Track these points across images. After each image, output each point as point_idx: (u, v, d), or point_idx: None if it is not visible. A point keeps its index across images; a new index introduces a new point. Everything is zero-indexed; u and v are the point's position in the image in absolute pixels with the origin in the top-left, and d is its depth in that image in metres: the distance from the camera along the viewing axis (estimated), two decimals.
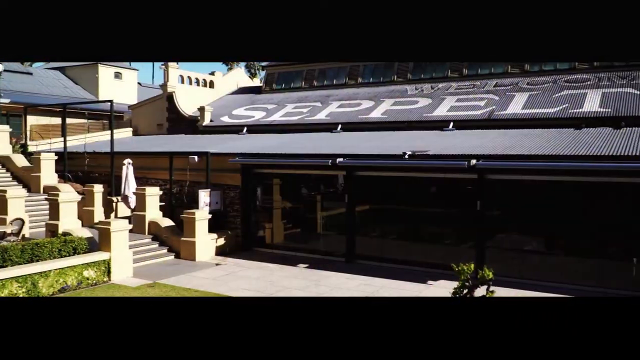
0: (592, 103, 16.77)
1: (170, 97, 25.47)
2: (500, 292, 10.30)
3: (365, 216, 16.61)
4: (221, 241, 17.22)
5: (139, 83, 40.38)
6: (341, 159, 15.03)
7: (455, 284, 8.96)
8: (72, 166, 21.54)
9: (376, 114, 20.17)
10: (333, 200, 17.43)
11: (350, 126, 20.10)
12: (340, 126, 20.15)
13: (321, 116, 21.36)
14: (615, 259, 12.93)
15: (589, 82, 18.47)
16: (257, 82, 33.89)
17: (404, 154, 14.18)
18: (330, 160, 15.13)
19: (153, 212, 17.49)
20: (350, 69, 24.32)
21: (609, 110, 16.08)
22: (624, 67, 18.74)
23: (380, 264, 15.29)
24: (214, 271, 14.89)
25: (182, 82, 26.32)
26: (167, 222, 17.25)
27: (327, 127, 20.50)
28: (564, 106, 17.04)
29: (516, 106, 17.91)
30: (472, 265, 8.84)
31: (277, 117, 22.43)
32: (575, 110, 16.59)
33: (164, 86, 25.85)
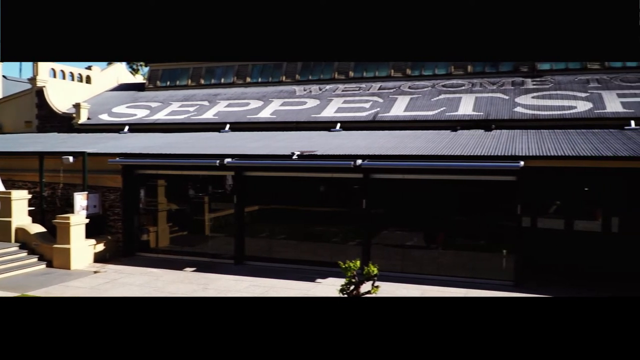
0: (466, 107, 17.99)
1: (40, 92, 23.42)
2: (385, 286, 10.69)
3: (255, 217, 16.45)
4: (100, 247, 16.13)
5: (3, 76, 36.72)
6: (229, 159, 14.74)
7: (342, 280, 9.14)
8: None
9: (265, 114, 20.07)
10: (221, 201, 17.04)
11: (239, 126, 19.81)
12: (228, 126, 19.79)
13: (209, 115, 20.83)
14: (487, 251, 13.92)
15: (463, 87, 19.79)
16: (139, 78, 32.30)
17: (293, 154, 14.22)
18: (218, 161, 14.78)
19: (21, 217, 15.97)
20: (238, 68, 24.00)
21: (481, 113, 17.33)
22: (494, 73, 20.37)
23: (269, 265, 15.22)
24: (92, 279, 13.89)
25: (55, 76, 24.32)
26: (37, 229, 15.82)
27: (214, 126, 20.03)
28: (441, 109, 18.10)
29: (399, 109, 18.72)
30: (358, 262, 9.06)
31: (161, 116, 21.51)
32: (451, 114, 17.69)
33: (32, 80, 23.69)
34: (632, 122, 15.33)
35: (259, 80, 23.56)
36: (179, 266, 15.20)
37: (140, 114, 22.10)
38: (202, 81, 24.50)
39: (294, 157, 14.13)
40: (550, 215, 16.72)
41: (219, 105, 21.76)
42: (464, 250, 14.14)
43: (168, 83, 25.19)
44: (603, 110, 16.25)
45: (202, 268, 14.98)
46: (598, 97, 17.17)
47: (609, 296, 11.53)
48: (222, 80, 24.10)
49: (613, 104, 16.57)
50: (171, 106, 22.43)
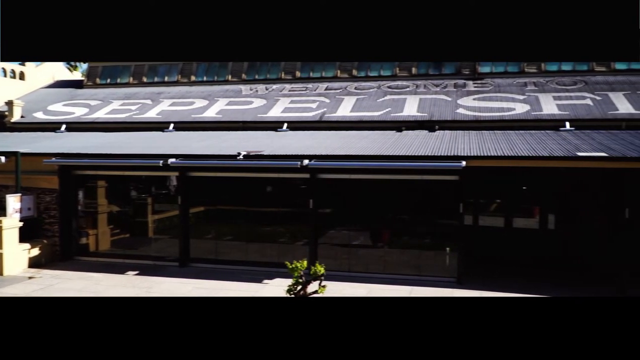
0: (411, 108, 18.31)
1: None
2: (332, 286, 10.71)
3: (200, 218, 16.14)
4: (35, 251, 15.37)
5: None
6: (173, 160, 14.38)
7: (290, 281, 9.09)
8: None
9: (210, 114, 19.73)
10: (165, 203, 16.62)
11: (183, 125, 19.38)
12: (172, 125, 19.32)
13: (152, 114, 20.27)
14: (432, 249, 14.21)
15: (408, 89, 20.15)
16: (77, 75, 31.07)
17: (239, 154, 14.05)
18: (161, 161, 14.39)
19: None
20: (182, 67, 23.49)
21: (425, 114, 17.69)
22: (438, 75, 20.86)
23: (216, 266, 14.97)
24: (26, 286, 13.21)
25: None
26: None
27: (158, 126, 19.51)
28: (387, 110, 18.35)
29: (345, 109, 18.84)
30: (305, 262, 9.03)
31: (101, 115, 20.75)
32: (396, 114, 17.96)
33: None
34: (567, 124, 16.04)
35: (204, 79, 23.15)
36: (120, 270, 14.70)
37: (78, 112, 21.24)
38: (145, 79, 23.83)
39: (240, 157, 13.95)
40: (491, 213, 17.29)
41: (163, 104, 21.22)
42: (409, 249, 14.39)
43: (108, 80, 24.34)
44: (540, 112, 16.93)
45: (145, 271, 14.55)
46: (535, 100, 17.88)
47: (551, 297, 11.99)
48: (166, 79, 23.52)
49: (549, 106, 17.30)
50: (112, 104, 21.69)
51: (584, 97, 17.70)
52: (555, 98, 17.88)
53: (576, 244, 15.50)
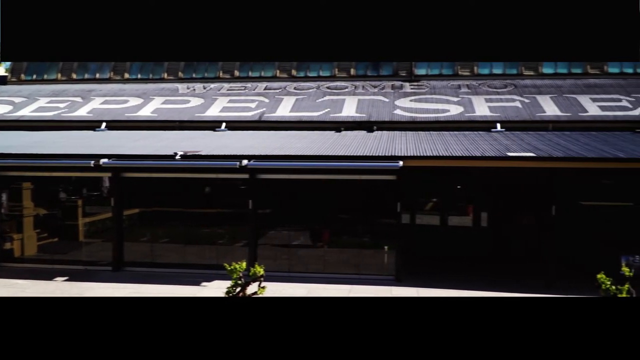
0: (349, 108, 18.49)
1: None
2: (272, 287, 10.61)
3: (135, 220, 15.59)
4: None
5: None
6: (106, 160, 13.79)
7: (229, 283, 8.93)
8: None
9: (145, 112, 19.12)
10: (98, 205, 15.94)
11: (117, 124, 18.66)
12: (104, 124, 18.57)
13: (82, 113, 19.41)
14: (371, 248, 14.38)
15: (347, 90, 20.34)
16: (0, 70, 29.31)
17: (176, 154, 13.67)
18: (92, 161, 13.76)
19: None
20: (115, 63, 22.64)
21: (364, 115, 17.92)
22: (375, 77, 21.20)
23: (152, 270, 14.52)
24: None
25: None
26: None
27: (89, 125, 18.69)
28: (326, 110, 18.44)
29: (285, 109, 18.78)
30: (244, 264, 8.90)
31: (27, 112, 19.65)
32: (336, 115, 18.09)
33: None
34: (498, 125, 16.69)
35: (139, 76, 22.42)
36: (48, 276, 13.96)
37: (1, 110, 20.02)
38: (74, 76, 22.79)
39: (177, 157, 13.59)
40: (428, 212, 17.74)
41: (94, 102, 20.37)
42: (349, 248, 14.51)
43: (34, 77, 23.11)
44: (473, 114, 17.54)
45: (75, 277, 13.90)
46: (468, 102, 18.50)
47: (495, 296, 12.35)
48: (97, 76, 22.59)
49: (482, 108, 17.95)
50: (38, 102, 20.59)
51: (513, 100, 18.48)
52: (487, 100, 18.57)
53: (507, 240, 16.17)
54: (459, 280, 13.25)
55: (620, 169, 12.92)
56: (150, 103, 19.92)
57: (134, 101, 20.19)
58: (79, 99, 20.69)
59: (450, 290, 12.31)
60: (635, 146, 13.60)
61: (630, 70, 20.09)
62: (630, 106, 17.46)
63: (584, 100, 18.12)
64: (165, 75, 22.26)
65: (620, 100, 17.98)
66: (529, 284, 12.90)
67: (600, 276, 8.39)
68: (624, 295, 8.08)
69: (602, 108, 17.43)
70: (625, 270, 8.57)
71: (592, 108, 17.47)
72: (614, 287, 8.24)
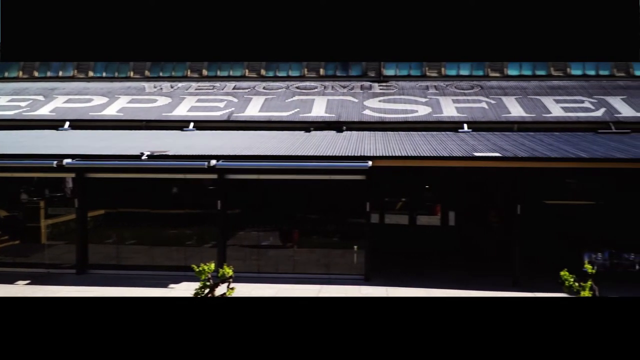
0: (319, 109, 18.49)
1: None
2: (241, 288, 10.53)
3: (100, 222, 15.24)
4: None
5: None
6: (69, 160, 13.44)
7: (197, 284, 8.81)
8: None
9: (111, 112, 18.73)
10: (61, 206, 15.52)
11: (81, 124, 18.22)
12: (68, 123, 18.11)
13: (44, 112, 18.88)
14: (340, 247, 14.40)
15: (316, 90, 20.33)
16: None
17: (142, 154, 13.41)
18: (55, 161, 13.39)
19: None
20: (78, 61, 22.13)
21: (333, 115, 17.95)
22: (345, 77, 21.27)
23: (118, 272, 14.21)
24: None
25: None
26: None
27: (52, 124, 18.19)
28: (295, 110, 18.40)
29: (254, 109, 18.66)
30: (213, 265, 8.80)
31: None
32: (305, 115, 18.06)
33: None
34: (465, 126, 16.94)
35: (104, 75, 21.96)
36: (9, 280, 13.52)
37: None
38: (36, 73, 22.18)
39: (144, 157, 13.33)
40: (397, 212, 17.89)
41: (57, 100, 19.85)
42: (318, 248, 14.49)
43: None
44: (440, 115, 17.76)
45: (38, 280, 13.50)
46: (436, 102, 18.73)
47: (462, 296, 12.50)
48: (60, 74, 22.02)
49: (449, 108, 18.19)
50: None
51: (480, 101, 18.79)
52: (454, 101, 18.83)
53: (474, 238, 16.42)
54: (427, 279, 13.39)
55: (583, 168, 13.26)
56: (116, 102, 19.53)
57: (98, 100, 19.75)
58: (41, 98, 20.13)
59: (418, 289, 12.42)
60: (597, 146, 13.98)
61: (592, 73, 20.66)
62: (592, 107, 17.95)
63: (548, 101, 18.55)
64: (132, 74, 21.85)
65: (582, 101, 18.47)
66: (496, 282, 13.11)
67: (564, 273, 8.59)
68: (586, 292, 8.28)
69: (566, 109, 17.87)
70: (588, 267, 8.79)
71: (555, 109, 17.90)
72: (576, 284, 8.44)
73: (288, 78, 21.31)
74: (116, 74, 21.91)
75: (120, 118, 18.37)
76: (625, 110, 17.58)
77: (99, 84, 21.48)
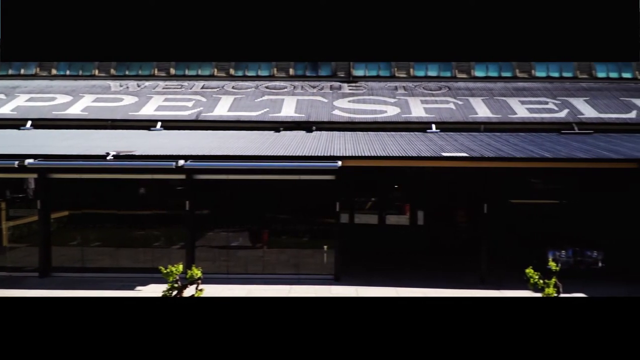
0: (288, 109, 18.45)
1: None
2: (210, 289, 10.38)
3: (65, 223, 14.85)
4: None
5: None
6: (31, 160, 13.04)
7: (165, 286, 8.67)
8: None
9: (75, 111, 18.29)
10: (23, 207, 15.07)
11: (44, 123, 17.74)
12: (30, 122, 17.61)
13: (5, 110, 18.33)
14: (310, 247, 14.39)
15: (285, 90, 20.28)
16: None
17: (108, 154, 13.13)
18: (17, 162, 12.98)
19: None
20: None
21: (303, 115, 17.93)
22: (314, 77, 21.27)
23: (83, 275, 13.87)
24: None
25: None
26: None
27: (13, 123, 17.66)
28: (265, 110, 18.31)
29: (223, 108, 18.49)
30: (181, 266, 8.68)
31: None
32: (274, 115, 17.99)
33: None
34: (433, 126, 17.14)
35: (67, 73, 21.44)
36: None
37: None
38: None
39: (109, 157, 13.05)
40: (366, 211, 17.98)
41: (19, 99, 19.28)
42: (288, 248, 14.44)
43: None
44: (409, 115, 17.93)
45: None
46: (405, 103, 18.90)
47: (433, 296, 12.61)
48: (22, 71, 21.42)
49: (417, 109, 18.37)
50: None
51: (447, 102, 19.04)
52: (422, 102, 19.04)
53: (443, 237, 16.63)
54: (397, 278, 13.49)
55: (547, 168, 13.58)
56: (80, 101, 19.09)
57: (62, 98, 19.27)
58: (2, 96, 19.53)
59: (388, 288, 12.50)
60: (560, 147, 14.33)
61: (556, 75, 21.17)
62: (556, 109, 18.40)
63: (514, 102, 18.92)
64: (96, 72, 21.40)
65: (547, 103, 18.91)
66: (464, 280, 13.30)
67: (529, 271, 8.76)
68: (550, 289, 8.47)
69: (530, 110, 18.26)
70: (552, 265, 8.99)
71: (521, 110, 18.27)
72: (541, 281, 8.62)
73: (257, 78, 21.20)
74: (80, 72, 21.42)
75: (85, 117, 17.97)
76: (587, 112, 18.07)
77: (63, 82, 20.95)
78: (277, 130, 17.24)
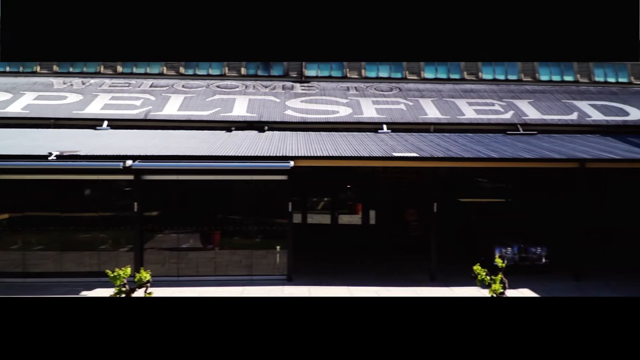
0: (240, 108, 18.26)
1: None
2: (159, 292, 10.17)
3: (3, 226, 14.16)
4: None
5: None
6: None
7: (112, 290, 8.43)
8: None
9: (15, 109, 17.49)
10: None
11: None
12: None
13: None
14: (262, 248, 14.28)
15: (237, 89, 20.07)
16: None
17: (50, 154, 12.62)
18: None
19: None
20: None
21: (255, 115, 17.79)
22: (266, 77, 21.16)
23: (24, 280, 13.29)
24: None
25: None
26: None
27: None
28: (216, 109, 18.06)
29: (172, 107, 18.11)
30: (129, 269, 8.46)
31: None
32: (226, 114, 17.77)
33: None
34: (384, 127, 17.36)
35: (7, 69, 20.47)
36: None
37: None
38: None
39: (52, 157, 12.55)
40: (319, 211, 18.02)
41: None
42: (241, 249, 14.28)
43: None
44: (361, 115, 18.09)
45: None
46: (357, 104, 19.06)
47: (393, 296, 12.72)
48: None
49: (369, 110, 18.56)
50: None
51: (398, 103, 19.33)
52: (374, 102, 19.25)
53: (394, 236, 16.86)
54: (349, 277, 13.58)
55: (494, 168, 13.99)
56: (21, 98, 18.27)
57: (1, 96, 18.40)
58: None
59: (340, 287, 12.56)
60: (506, 147, 14.80)
61: (502, 77, 21.85)
62: (502, 110, 18.98)
63: (462, 104, 19.41)
64: (38, 69, 20.55)
65: (493, 104, 19.48)
66: (415, 277, 13.53)
67: (476, 267, 9.00)
68: (497, 285, 8.72)
69: (478, 111, 18.78)
70: (498, 261, 9.26)
71: (468, 111, 18.76)
72: (488, 277, 8.87)
73: (208, 77, 20.89)
74: (21, 69, 20.51)
75: (26, 115, 17.20)
76: (531, 113, 18.74)
77: (2, 79, 20.00)
78: (229, 130, 17.04)
